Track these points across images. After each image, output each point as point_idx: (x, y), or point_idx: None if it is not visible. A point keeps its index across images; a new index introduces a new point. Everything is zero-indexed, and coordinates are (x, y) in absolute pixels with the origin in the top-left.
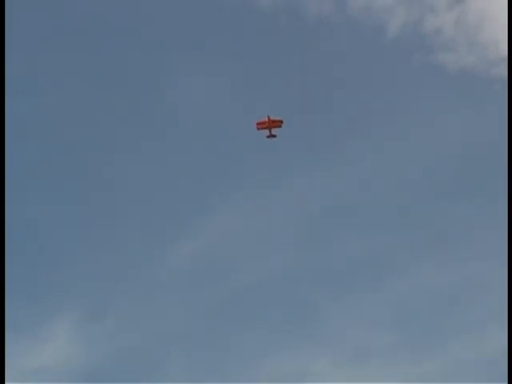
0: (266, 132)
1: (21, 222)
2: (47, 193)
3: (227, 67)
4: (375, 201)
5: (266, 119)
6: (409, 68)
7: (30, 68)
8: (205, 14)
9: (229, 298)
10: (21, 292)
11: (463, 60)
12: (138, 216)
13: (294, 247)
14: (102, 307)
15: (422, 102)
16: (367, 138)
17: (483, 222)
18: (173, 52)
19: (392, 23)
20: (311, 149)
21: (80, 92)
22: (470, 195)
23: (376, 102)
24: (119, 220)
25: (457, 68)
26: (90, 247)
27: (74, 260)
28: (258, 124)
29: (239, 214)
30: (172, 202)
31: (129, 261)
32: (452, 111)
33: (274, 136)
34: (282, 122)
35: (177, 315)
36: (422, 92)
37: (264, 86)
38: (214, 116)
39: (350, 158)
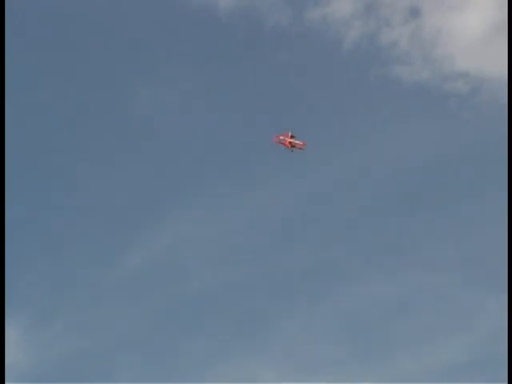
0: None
1: None
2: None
3: (186, 76)
4: (325, 212)
5: (288, 140)
6: (364, 80)
7: None
8: (163, 22)
9: (179, 305)
10: None
11: (418, 74)
12: (92, 220)
13: (246, 257)
14: (52, 311)
15: (376, 112)
16: (320, 148)
17: (434, 233)
18: (130, 61)
19: (348, 35)
20: (268, 159)
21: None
22: (420, 207)
23: (331, 112)
24: (73, 224)
25: (411, 81)
26: (42, 250)
27: (25, 263)
28: (277, 137)
29: (193, 221)
30: (127, 207)
31: (80, 265)
32: (405, 124)
33: (294, 147)
34: (305, 144)
35: (127, 320)
36: (376, 103)
37: (223, 95)
38: (175, 125)
39: (301, 169)
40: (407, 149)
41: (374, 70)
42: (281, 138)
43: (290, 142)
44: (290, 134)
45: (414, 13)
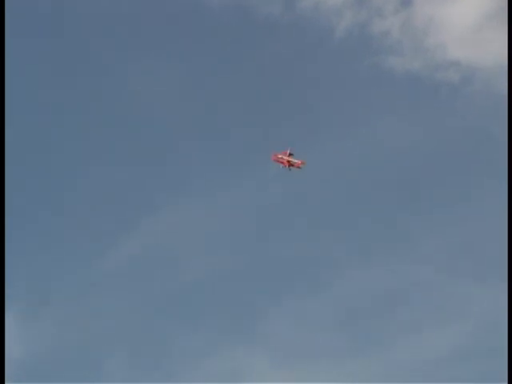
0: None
1: None
2: None
3: (178, 66)
4: (319, 203)
5: (286, 158)
6: (355, 69)
7: None
8: (156, 12)
9: (170, 298)
10: None
11: (409, 63)
12: (81, 214)
13: (238, 248)
14: (42, 305)
15: (368, 103)
16: (313, 138)
17: (428, 225)
18: (122, 50)
19: (340, 25)
20: (257, 149)
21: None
22: (413, 198)
23: (323, 101)
24: (63, 218)
25: (403, 71)
26: (31, 245)
27: (15, 257)
28: (274, 156)
29: (182, 214)
30: (114, 201)
31: (70, 258)
32: (396, 113)
33: (292, 165)
34: (303, 163)
35: (118, 314)
36: (367, 93)
37: (215, 84)
38: (161, 115)
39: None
40: (399, 139)
41: (366, 59)
42: (279, 156)
43: (288, 161)
44: (288, 153)
45: (406, 2)
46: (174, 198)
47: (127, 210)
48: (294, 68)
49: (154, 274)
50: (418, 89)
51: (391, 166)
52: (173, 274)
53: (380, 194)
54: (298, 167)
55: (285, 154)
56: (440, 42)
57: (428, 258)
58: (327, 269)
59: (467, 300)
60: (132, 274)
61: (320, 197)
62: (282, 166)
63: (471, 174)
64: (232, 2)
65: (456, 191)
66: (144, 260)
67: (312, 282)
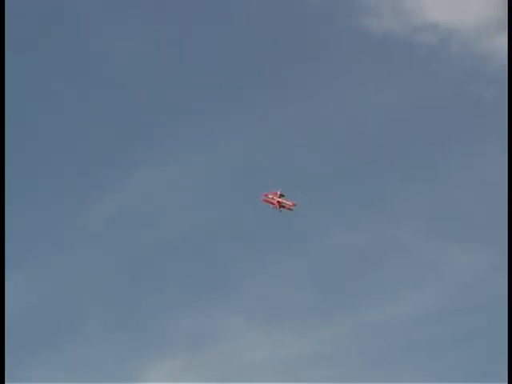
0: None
1: None
2: None
3: (154, 28)
4: (297, 163)
5: (276, 199)
6: (334, 30)
7: None
8: None
9: (151, 252)
10: None
11: (387, 25)
12: (63, 169)
13: (214, 205)
14: (21, 257)
15: (345, 64)
16: (289, 98)
17: (402, 186)
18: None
19: None
20: (235, 108)
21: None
22: (389, 158)
23: (299, 62)
24: (45, 172)
25: (381, 32)
26: (15, 197)
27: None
28: (265, 196)
29: (162, 169)
30: (97, 156)
31: (50, 212)
32: (374, 75)
33: (283, 207)
34: (294, 204)
35: (93, 269)
36: (344, 54)
37: (189, 47)
38: (142, 77)
39: (270, 119)
40: (376, 100)
41: (344, 20)
42: (269, 196)
43: (278, 202)
44: (278, 193)
45: None
46: (153, 157)
47: (109, 166)
48: (271, 29)
49: (131, 230)
50: (396, 50)
51: (369, 126)
52: (155, 228)
53: (357, 153)
54: (289, 209)
55: (275, 194)
56: (418, 3)
57: (406, 218)
58: (304, 228)
59: (445, 261)
60: (110, 230)
61: (297, 156)
62: (272, 206)
63: (450, 135)
64: None
65: (434, 152)
66: (122, 216)
67: (288, 240)
